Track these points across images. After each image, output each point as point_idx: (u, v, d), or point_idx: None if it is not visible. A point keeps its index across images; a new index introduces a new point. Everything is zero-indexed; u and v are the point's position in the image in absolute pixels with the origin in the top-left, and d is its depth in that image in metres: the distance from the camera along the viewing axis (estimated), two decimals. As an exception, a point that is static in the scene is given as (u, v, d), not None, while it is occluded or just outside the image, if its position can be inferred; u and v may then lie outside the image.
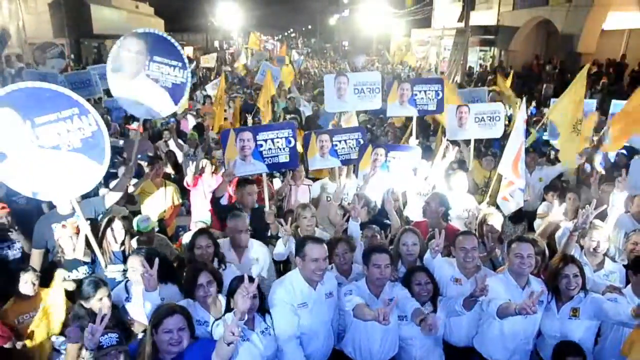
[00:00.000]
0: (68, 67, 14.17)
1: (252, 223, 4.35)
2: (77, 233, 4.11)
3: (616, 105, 7.67)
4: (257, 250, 4.19)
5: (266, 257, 4.21)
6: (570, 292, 3.34)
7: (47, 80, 5.89)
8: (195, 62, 18.45)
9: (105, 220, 4.20)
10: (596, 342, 3.52)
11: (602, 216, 4.29)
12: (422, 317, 3.04)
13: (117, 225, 4.14)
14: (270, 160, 5.00)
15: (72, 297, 3.77)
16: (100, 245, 4.08)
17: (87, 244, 4.08)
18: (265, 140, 4.95)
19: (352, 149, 5.48)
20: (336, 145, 5.40)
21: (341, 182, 5.27)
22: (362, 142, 5.44)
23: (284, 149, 5.02)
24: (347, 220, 4.23)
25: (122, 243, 4.17)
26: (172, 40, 4.65)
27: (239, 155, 4.88)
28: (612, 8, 17.22)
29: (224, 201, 5.03)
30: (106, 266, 4.08)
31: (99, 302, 3.32)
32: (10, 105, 3.54)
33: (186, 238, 4.20)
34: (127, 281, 3.74)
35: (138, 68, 4.51)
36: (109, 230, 4.13)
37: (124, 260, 3.78)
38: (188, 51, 29.42)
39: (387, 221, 4.57)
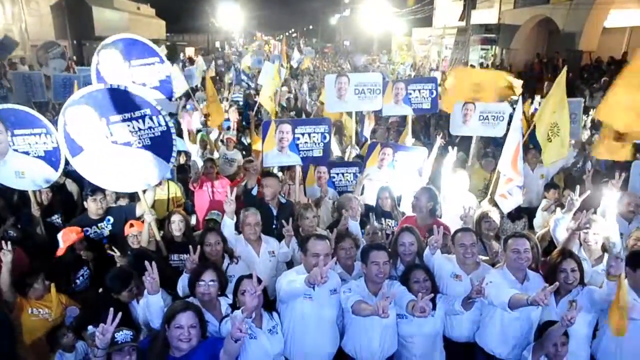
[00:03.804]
0: (70, 69, 14.19)
1: (280, 218, 4.41)
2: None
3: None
4: (272, 244, 4.28)
5: (283, 250, 4.28)
6: (569, 287, 3.41)
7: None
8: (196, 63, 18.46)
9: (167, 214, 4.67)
10: (595, 336, 3.55)
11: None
12: (413, 304, 3.06)
13: (176, 217, 4.43)
14: (304, 154, 5.21)
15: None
16: (163, 236, 4.41)
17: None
18: (303, 134, 5.14)
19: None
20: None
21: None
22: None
23: (319, 143, 5.22)
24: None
25: (184, 234, 4.42)
26: (141, 39, 4.68)
27: (276, 146, 5.08)
28: (614, 6, 17.20)
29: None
30: (168, 255, 4.35)
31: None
32: (89, 104, 3.88)
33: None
34: None
35: (122, 79, 4.55)
36: (169, 223, 4.43)
37: (186, 251, 3.91)
38: (189, 52, 29.48)
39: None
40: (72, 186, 5.83)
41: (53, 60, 12.16)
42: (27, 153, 4.41)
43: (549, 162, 5.72)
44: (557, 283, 3.13)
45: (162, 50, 4.98)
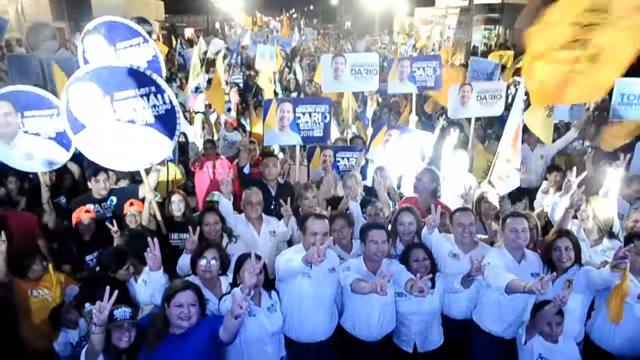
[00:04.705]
0: (68, 50, 14.00)
1: (278, 198, 4.42)
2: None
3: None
4: (273, 223, 4.29)
5: (282, 229, 4.29)
6: (562, 264, 3.43)
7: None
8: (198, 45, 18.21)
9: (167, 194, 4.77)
10: (589, 315, 3.61)
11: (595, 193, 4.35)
12: (412, 283, 3.12)
13: (176, 198, 4.50)
14: (305, 133, 5.26)
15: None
16: (163, 215, 4.47)
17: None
18: (304, 113, 5.19)
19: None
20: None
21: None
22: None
23: (319, 123, 5.27)
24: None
25: (184, 214, 4.48)
26: (122, 20, 4.64)
27: (277, 125, 5.11)
28: (620, -17, 16.84)
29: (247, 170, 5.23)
30: (168, 235, 4.41)
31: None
32: (95, 81, 3.86)
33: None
34: None
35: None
36: (169, 203, 4.50)
37: (186, 230, 3.89)
38: (188, 33, 29.11)
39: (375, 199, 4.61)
40: (72, 167, 5.85)
41: (45, 42, 11.96)
42: (37, 134, 4.39)
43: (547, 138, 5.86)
44: (554, 273, 3.16)
45: (156, 27, 4.94)
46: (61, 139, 4.41)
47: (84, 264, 4.26)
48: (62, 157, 4.54)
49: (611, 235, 3.97)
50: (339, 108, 8.30)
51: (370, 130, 6.61)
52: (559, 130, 7.10)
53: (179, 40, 17.47)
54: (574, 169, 3.94)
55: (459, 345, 3.77)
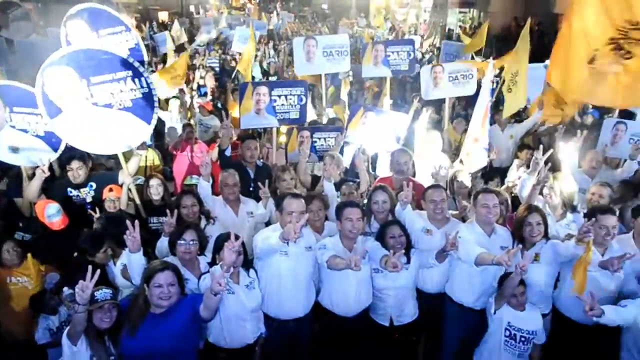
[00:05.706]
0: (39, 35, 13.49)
1: (257, 180, 4.44)
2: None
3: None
4: (250, 205, 4.33)
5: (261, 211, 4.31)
6: (534, 239, 3.59)
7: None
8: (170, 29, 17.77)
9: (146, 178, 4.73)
10: (556, 286, 3.77)
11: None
12: (386, 259, 3.25)
13: (154, 182, 4.51)
14: (281, 116, 5.28)
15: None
16: (142, 200, 4.49)
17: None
18: (279, 96, 5.21)
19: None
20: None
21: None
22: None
23: (295, 105, 5.30)
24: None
25: (162, 198, 4.51)
26: (105, 8, 4.66)
27: (253, 109, 5.14)
28: (590, -33, 17.11)
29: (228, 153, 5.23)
30: (147, 218, 4.42)
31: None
32: (71, 64, 3.82)
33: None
34: None
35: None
36: (147, 187, 4.51)
37: (165, 213, 3.84)
38: (162, 16, 28.41)
39: (355, 179, 4.69)
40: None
41: (16, 23, 11.43)
42: (25, 131, 4.31)
43: (508, 114, 6.02)
44: (520, 246, 3.36)
45: (128, 19, 4.95)
46: (50, 139, 4.33)
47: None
48: (48, 155, 4.42)
49: (574, 209, 4.16)
50: (314, 91, 8.32)
51: (347, 113, 6.68)
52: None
53: (148, 25, 17.15)
54: (541, 147, 4.10)
55: (433, 318, 3.91)
